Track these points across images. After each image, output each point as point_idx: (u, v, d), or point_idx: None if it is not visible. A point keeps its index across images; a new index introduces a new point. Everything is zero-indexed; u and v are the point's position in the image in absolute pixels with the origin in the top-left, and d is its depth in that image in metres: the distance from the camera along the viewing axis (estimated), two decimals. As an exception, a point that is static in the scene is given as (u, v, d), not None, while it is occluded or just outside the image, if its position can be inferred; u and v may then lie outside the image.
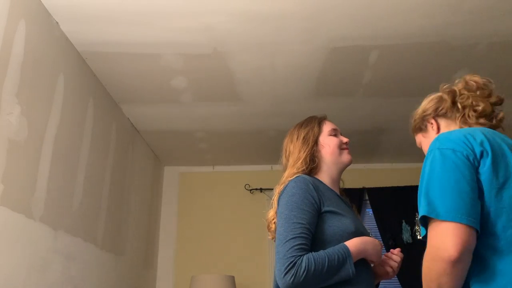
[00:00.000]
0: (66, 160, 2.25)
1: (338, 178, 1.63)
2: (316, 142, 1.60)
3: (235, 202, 3.98)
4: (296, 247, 1.29)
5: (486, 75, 2.83)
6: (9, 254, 1.75)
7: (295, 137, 1.63)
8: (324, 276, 1.28)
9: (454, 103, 1.37)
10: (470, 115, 1.33)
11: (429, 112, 1.42)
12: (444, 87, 1.42)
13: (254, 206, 3.89)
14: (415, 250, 3.67)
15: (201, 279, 3.32)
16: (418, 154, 4.30)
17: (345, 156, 1.60)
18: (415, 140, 1.51)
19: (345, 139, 1.63)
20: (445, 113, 1.38)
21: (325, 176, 1.59)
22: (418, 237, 3.70)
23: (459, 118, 1.36)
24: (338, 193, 1.61)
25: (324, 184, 1.55)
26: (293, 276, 1.25)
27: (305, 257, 1.28)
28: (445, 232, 1.07)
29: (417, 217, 3.97)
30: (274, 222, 1.50)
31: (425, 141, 1.43)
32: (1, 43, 1.71)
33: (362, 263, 1.39)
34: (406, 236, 3.71)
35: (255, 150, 3.76)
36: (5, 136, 1.74)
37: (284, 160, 1.67)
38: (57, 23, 2.16)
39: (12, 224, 1.77)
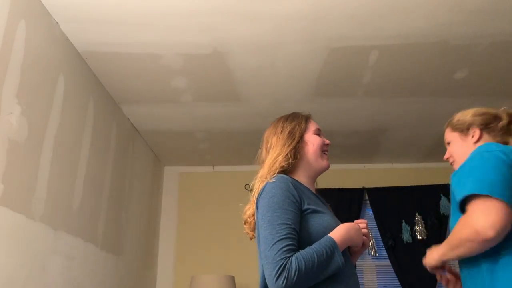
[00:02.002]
0: (66, 160, 2.25)
1: (314, 179, 1.61)
2: (301, 138, 1.57)
3: (235, 202, 3.95)
4: (284, 249, 1.26)
5: (486, 75, 2.86)
6: (9, 254, 1.75)
7: (279, 130, 1.59)
8: (316, 273, 1.27)
9: (509, 124, 1.50)
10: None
11: (477, 122, 1.53)
12: (504, 108, 1.55)
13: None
14: (415, 250, 3.68)
15: (201, 279, 3.32)
16: (418, 154, 4.32)
17: (325, 161, 1.58)
18: (442, 138, 1.64)
19: (327, 141, 1.60)
20: (493, 130, 1.52)
21: (302, 174, 1.56)
22: (418, 237, 3.70)
23: (500, 139, 1.49)
24: (314, 191, 1.59)
25: (301, 183, 1.52)
26: (285, 279, 1.23)
27: (294, 257, 1.25)
28: (490, 210, 1.20)
29: (417, 217, 3.98)
30: (254, 219, 1.47)
31: (457, 142, 1.57)
32: (1, 43, 1.71)
33: (345, 253, 1.38)
34: (406, 236, 3.71)
35: (255, 150, 3.73)
36: (5, 136, 1.74)
37: (264, 152, 1.63)
38: (57, 23, 2.16)
39: (12, 224, 1.77)
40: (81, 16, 2.10)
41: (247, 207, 1.54)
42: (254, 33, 2.25)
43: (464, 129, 1.55)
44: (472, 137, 1.53)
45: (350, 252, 1.51)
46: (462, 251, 1.29)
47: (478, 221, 1.20)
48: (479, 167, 1.31)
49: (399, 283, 3.62)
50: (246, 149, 3.75)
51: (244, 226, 1.55)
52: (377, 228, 3.77)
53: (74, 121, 2.35)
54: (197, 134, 3.46)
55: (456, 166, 1.55)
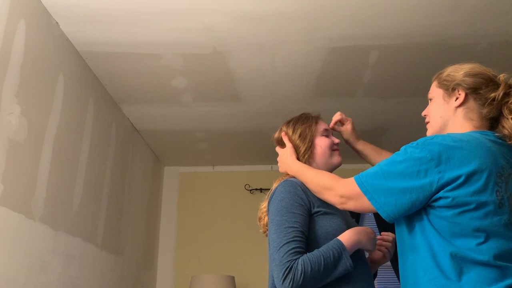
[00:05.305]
0: (66, 160, 2.25)
1: None
2: (312, 140, 1.58)
3: (235, 202, 3.98)
4: (290, 252, 1.28)
5: (486, 75, 2.82)
6: (9, 254, 1.75)
7: (291, 131, 1.61)
8: (323, 275, 1.27)
9: (503, 98, 1.28)
10: (506, 126, 1.27)
11: (466, 84, 1.32)
12: (506, 77, 1.32)
13: (254, 206, 3.88)
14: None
15: (201, 279, 3.32)
16: (418, 154, 4.26)
17: (336, 158, 1.59)
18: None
19: (336, 140, 1.62)
20: (481, 97, 1.30)
21: None
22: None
23: (488, 117, 1.30)
24: None
25: None
26: (291, 281, 1.24)
27: (300, 259, 1.27)
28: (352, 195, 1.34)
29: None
30: (266, 215, 1.51)
31: (438, 101, 1.38)
32: (1, 43, 1.71)
33: (357, 256, 1.39)
34: (406, 236, 3.71)
35: (255, 150, 3.76)
36: (5, 136, 1.74)
37: None
38: (57, 23, 2.16)
39: (12, 224, 1.77)
40: (81, 16, 2.11)
41: (263, 204, 1.57)
42: (254, 33, 2.25)
43: (449, 88, 1.35)
44: (456, 99, 1.33)
45: (370, 261, 1.52)
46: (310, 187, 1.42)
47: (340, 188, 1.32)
48: (392, 163, 1.25)
49: (399, 283, 3.62)
50: (246, 149, 3.75)
51: (259, 223, 1.57)
52: (377, 228, 3.77)
53: (74, 121, 2.35)
54: (197, 134, 3.46)
55: (430, 128, 1.41)
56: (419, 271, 1.21)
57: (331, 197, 1.35)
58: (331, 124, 1.71)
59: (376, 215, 3.81)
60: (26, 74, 1.88)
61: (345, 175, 1.41)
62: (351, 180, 1.30)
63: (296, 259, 1.27)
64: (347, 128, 1.73)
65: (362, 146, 1.75)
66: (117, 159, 2.96)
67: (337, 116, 1.73)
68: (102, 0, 2.00)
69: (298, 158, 1.55)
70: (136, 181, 3.36)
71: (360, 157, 1.77)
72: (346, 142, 1.76)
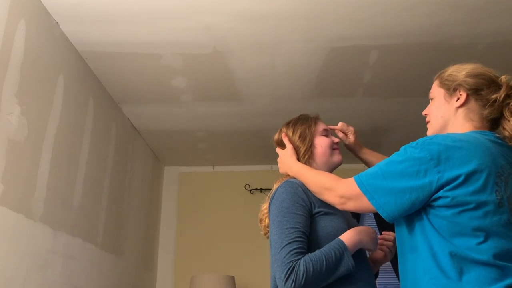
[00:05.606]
0: (66, 160, 2.25)
1: None
2: (312, 141, 1.59)
3: (235, 202, 3.98)
4: (292, 252, 1.29)
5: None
6: (9, 254, 1.75)
7: (291, 132, 1.62)
8: (325, 275, 1.28)
9: (505, 100, 1.28)
10: (506, 128, 1.27)
11: (467, 85, 1.31)
12: (508, 78, 1.32)
13: (254, 206, 3.88)
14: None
15: (201, 279, 3.32)
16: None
17: (336, 156, 1.60)
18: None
19: (336, 139, 1.63)
20: (482, 98, 1.30)
21: None
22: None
23: (489, 119, 1.30)
24: None
25: None
26: (294, 281, 1.25)
27: (302, 260, 1.27)
28: (352, 195, 1.34)
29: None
30: (267, 216, 1.51)
31: (439, 101, 1.37)
32: (1, 43, 1.71)
33: (358, 256, 1.39)
34: (406, 236, 3.70)
35: (255, 150, 3.76)
36: (5, 136, 1.74)
37: None
38: (57, 23, 2.16)
39: (12, 224, 1.77)
40: (81, 16, 2.11)
41: (264, 205, 1.58)
42: (254, 33, 2.25)
43: (451, 88, 1.34)
44: (457, 100, 1.32)
45: (372, 261, 1.52)
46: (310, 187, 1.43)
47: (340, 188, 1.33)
48: (390, 163, 1.25)
49: (399, 283, 3.62)
50: (246, 149, 3.75)
51: (260, 224, 1.58)
52: (377, 228, 3.78)
53: (74, 121, 2.35)
54: (197, 134, 3.46)
55: (430, 128, 1.41)
56: (419, 270, 1.22)
57: (331, 198, 1.36)
58: (336, 129, 1.72)
59: (376, 215, 3.81)
60: (26, 74, 1.88)
61: (345, 175, 1.42)
62: (351, 181, 1.30)
63: (298, 260, 1.27)
64: (350, 139, 1.75)
65: (365, 155, 1.76)
66: (117, 159, 2.96)
67: (339, 126, 1.74)
68: (102, 0, 2.00)
69: (298, 159, 1.56)
70: (136, 181, 3.36)
71: (364, 164, 1.76)
72: (349, 150, 1.76)
